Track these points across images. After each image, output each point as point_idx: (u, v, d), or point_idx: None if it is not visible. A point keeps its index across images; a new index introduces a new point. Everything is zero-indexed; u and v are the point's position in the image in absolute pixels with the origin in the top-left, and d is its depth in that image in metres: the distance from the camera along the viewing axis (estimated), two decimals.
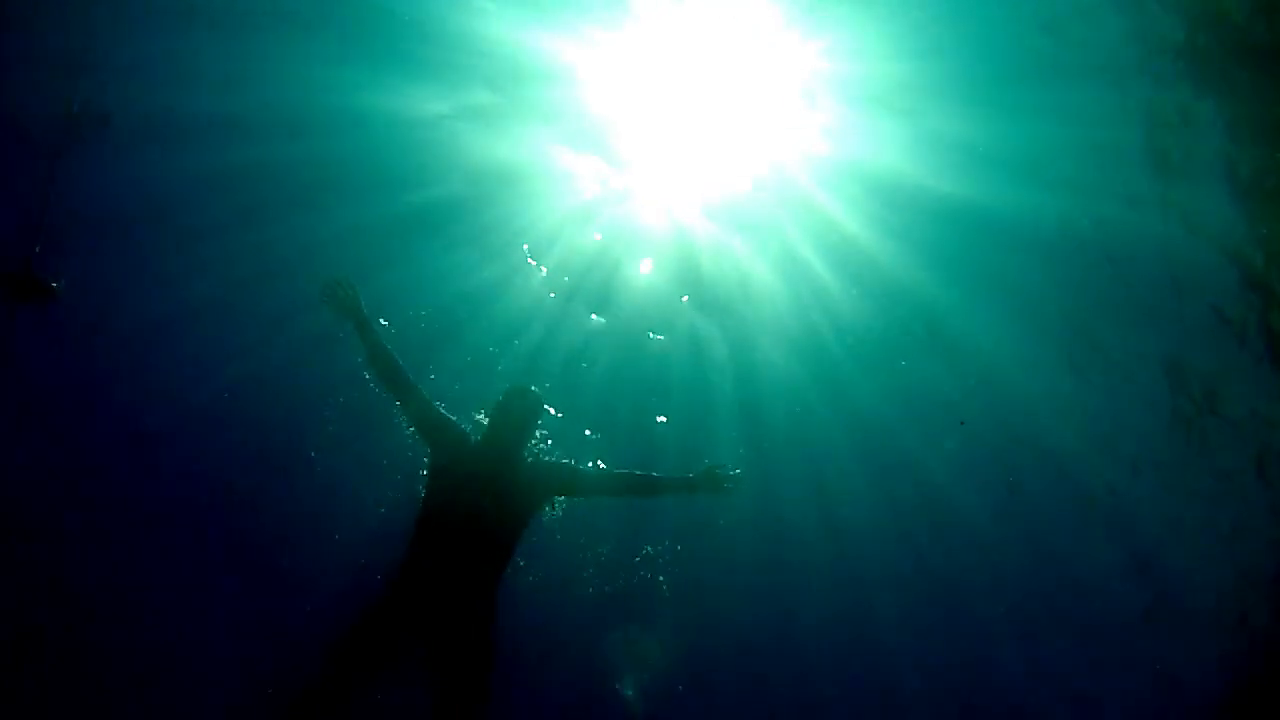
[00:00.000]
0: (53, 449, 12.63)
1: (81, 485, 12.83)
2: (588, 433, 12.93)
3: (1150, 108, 8.52)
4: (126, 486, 13.14)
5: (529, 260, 11.04)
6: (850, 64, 8.33)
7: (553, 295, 11.46)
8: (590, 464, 5.62)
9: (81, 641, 11.80)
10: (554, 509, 4.82)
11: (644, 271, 11.05)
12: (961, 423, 11.81)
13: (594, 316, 11.66)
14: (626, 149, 9.65)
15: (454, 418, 4.69)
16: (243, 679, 12.44)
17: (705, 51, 8.60)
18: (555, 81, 8.99)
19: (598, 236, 10.65)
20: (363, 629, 4.28)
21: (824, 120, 8.82)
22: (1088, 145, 8.87)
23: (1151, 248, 9.34)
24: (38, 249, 3.34)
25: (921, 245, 9.96)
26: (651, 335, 11.97)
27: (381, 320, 4.70)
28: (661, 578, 14.51)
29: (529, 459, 4.74)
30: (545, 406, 4.81)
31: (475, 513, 4.42)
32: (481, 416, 4.85)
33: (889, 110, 8.68)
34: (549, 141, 9.70)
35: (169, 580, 13.16)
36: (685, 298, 11.22)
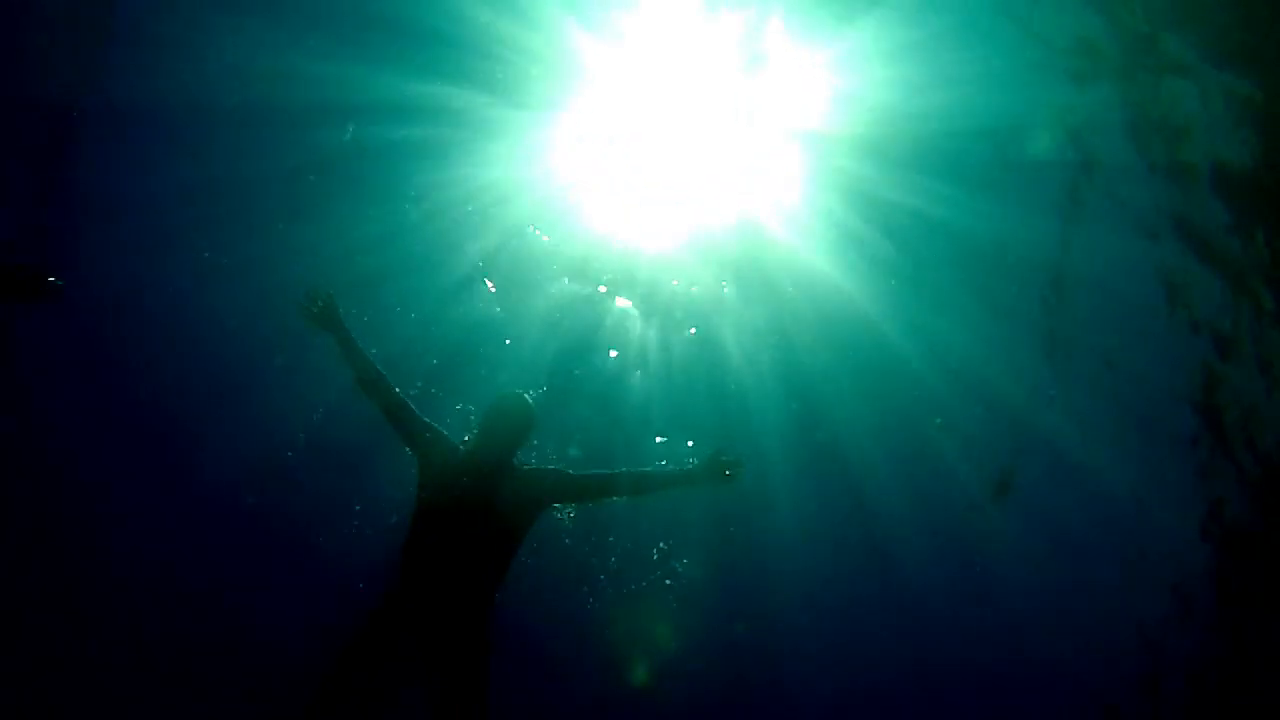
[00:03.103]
0: (52, 449, 12.61)
1: (81, 485, 12.81)
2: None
3: None
4: (127, 487, 13.11)
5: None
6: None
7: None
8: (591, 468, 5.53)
9: (78, 646, 11.75)
10: (567, 516, 4.72)
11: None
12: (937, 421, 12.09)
13: None
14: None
15: (438, 427, 4.63)
16: (242, 687, 12.43)
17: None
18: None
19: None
20: (361, 640, 4.26)
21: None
22: None
23: None
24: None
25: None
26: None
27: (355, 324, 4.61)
28: (668, 581, 14.39)
29: (522, 467, 4.65)
30: (536, 414, 4.73)
31: (466, 525, 4.36)
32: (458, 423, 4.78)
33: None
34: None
35: (169, 584, 13.09)
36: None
